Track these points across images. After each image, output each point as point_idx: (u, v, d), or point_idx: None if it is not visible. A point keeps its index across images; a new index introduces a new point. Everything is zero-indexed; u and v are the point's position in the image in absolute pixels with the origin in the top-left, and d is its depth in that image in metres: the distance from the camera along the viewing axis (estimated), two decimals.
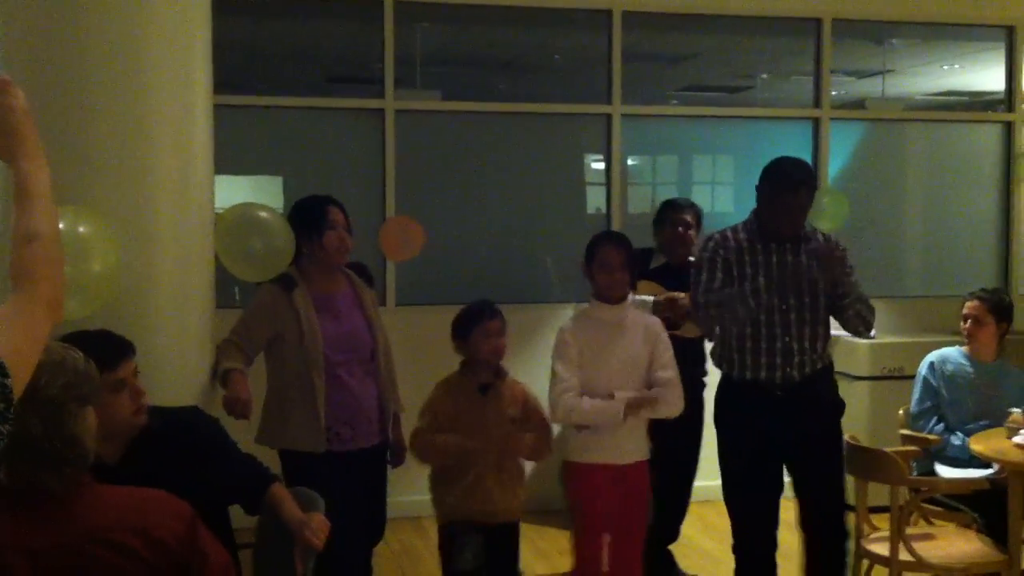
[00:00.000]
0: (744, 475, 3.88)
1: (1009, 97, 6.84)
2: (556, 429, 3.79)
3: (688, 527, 4.94)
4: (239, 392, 3.46)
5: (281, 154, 6.16)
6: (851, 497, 4.03)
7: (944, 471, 4.41)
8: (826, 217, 5.66)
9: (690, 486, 4.84)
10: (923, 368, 4.68)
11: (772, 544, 3.90)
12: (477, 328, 3.61)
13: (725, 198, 7.21)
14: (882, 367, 5.77)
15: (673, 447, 4.27)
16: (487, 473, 3.56)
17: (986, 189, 6.91)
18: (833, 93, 6.61)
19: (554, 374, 3.65)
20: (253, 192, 6.27)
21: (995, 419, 4.35)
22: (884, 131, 6.91)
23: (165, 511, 2.08)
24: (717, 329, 4.44)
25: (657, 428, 3.78)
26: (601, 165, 6.43)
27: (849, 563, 3.95)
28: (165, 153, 3.31)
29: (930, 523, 4.32)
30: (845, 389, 4.05)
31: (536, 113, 6.37)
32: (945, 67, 7.51)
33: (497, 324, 3.64)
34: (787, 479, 3.97)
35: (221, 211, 3.86)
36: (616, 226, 6.19)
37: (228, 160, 5.03)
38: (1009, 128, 6.83)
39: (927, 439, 4.44)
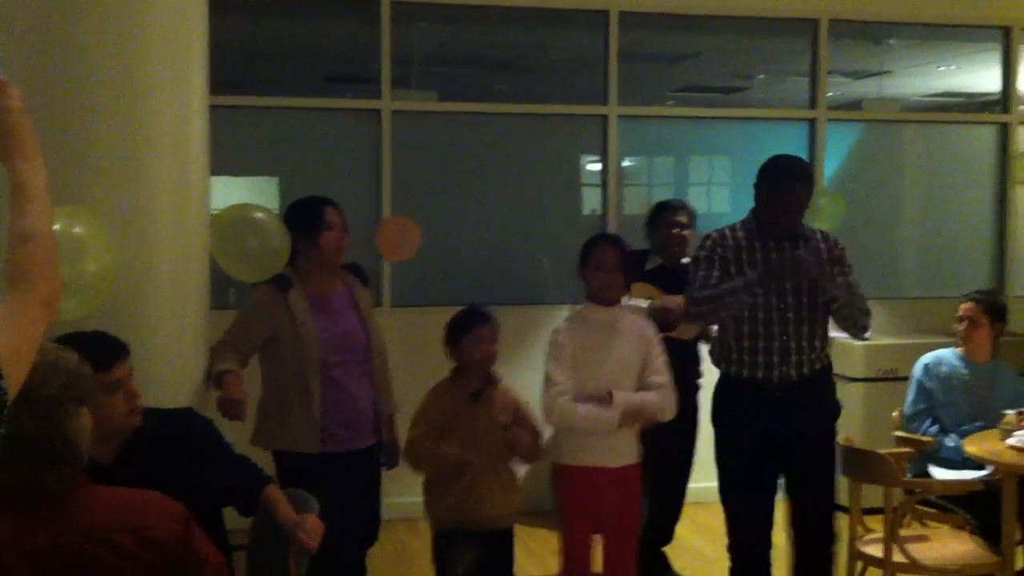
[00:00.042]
0: (741, 474, 3.88)
1: (1005, 98, 6.85)
2: (548, 431, 3.79)
3: (682, 528, 4.94)
4: (233, 393, 3.45)
5: (277, 155, 6.16)
6: (845, 498, 4.03)
7: (938, 473, 4.42)
8: (822, 218, 5.67)
9: (684, 488, 4.85)
10: (917, 370, 4.68)
11: (767, 544, 3.90)
12: (469, 334, 3.61)
13: (721, 199, 7.21)
14: (877, 368, 5.78)
15: (668, 449, 4.27)
16: (480, 480, 3.56)
17: (982, 190, 6.92)
18: (830, 94, 6.61)
19: (548, 376, 3.65)
20: (249, 193, 6.27)
21: (989, 420, 4.36)
22: (880, 132, 6.92)
23: (160, 512, 2.08)
24: (715, 328, 4.46)
25: (652, 430, 3.78)
26: (597, 166, 6.43)
27: (836, 566, 3.95)
28: (162, 154, 3.31)
29: (924, 525, 4.33)
30: (840, 390, 4.04)
31: (533, 114, 6.37)
32: (942, 68, 7.51)
33: (489, 330, 3.63)
34: (780, 479, 3.97)
35: (217, 212, 3.85)
36: (612, 227, 6.19)
37: (224, 161, 5.03)
38: (1005, 129, 6.84)
39: (921, 441, 4.45)
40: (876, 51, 7.03)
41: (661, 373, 3.70)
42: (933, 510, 4.34)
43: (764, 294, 3.75)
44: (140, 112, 3.25)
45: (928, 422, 4.56)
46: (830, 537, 3.89)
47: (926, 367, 4.65)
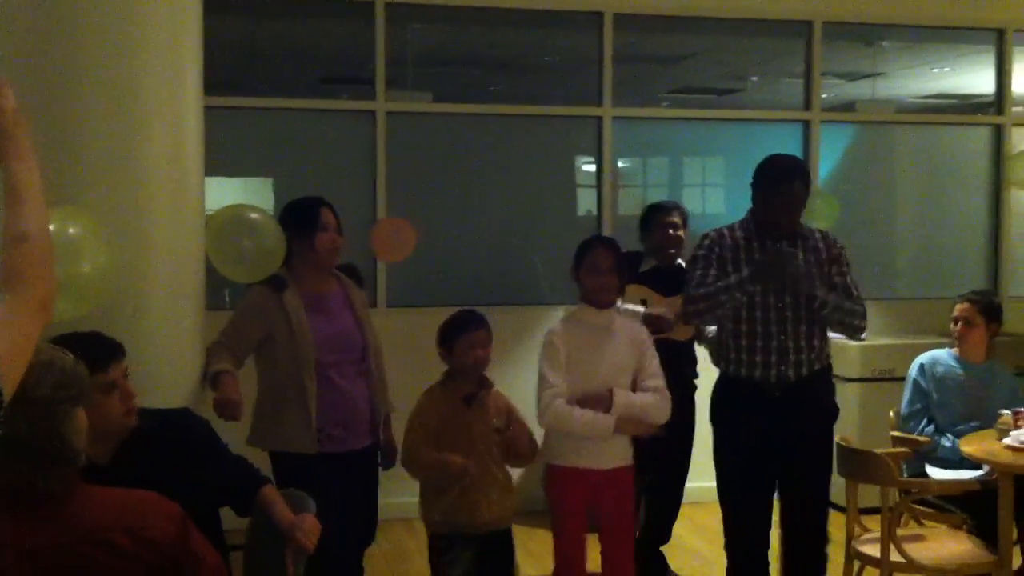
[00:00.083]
0: (739, 473, 3.88)
1: (999, 100, 6.86)
2: (540, 432, 3.79)
3: (679, 528, 4.95)
4: (229, 394, 3.45)
5: (272, 156, 6.16)
6: (842, 498, 4.03)
7: (935, 472, 4.42)
8: (817, 219, 5.66)
9: (682, 487, 4.85)
10: (913, 370, 4.69)
11: (765, 543, 3.90)
12: (462, 338, 3.60)
13: (716, 200, 7.22)
14: (873, 369, 5.79)
15: (665, 449, 4.27)
16: (476, 484, 3.54)
17: (976, 192, 6.93)
18: (824, 95, 6.63)
19: (542, 377, 3.64)
20: (244, 193, 6.27)
21: (985, 420, 4.38)
22: (874, 133, 6.94)
23: (157, 512, 2.08)
24: (711, 329, 4.46)
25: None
26: (592, 167, 6.43)
27: (828, 566, 3.94)
28: (157, 154, 3.31)
29: (921, 524, 4.33)
30: (837, 390, 4.04)
31: (527, 115, 6.37)
32: (935, 70, 7.53)
33: (482, 335, 3.62)
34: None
35: (212, 212, 3.85)
36: (607, 228, 6.20)
37: (219, 162, 5.02)
38: (999, 131, 6.86)
39: (917, 440, 4.45)
40: (870, 53, 7.04)
41: (656, 377, 3.71)
42: (930, 510, 4.34)
43: (763, 294, 3.75)
44: (135, 113, 3.25)
45: (924, 422, 4.57)
46: (821, 538, 3.89)
47: (922, 367, 4.66)
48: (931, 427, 4.55)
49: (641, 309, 4.43)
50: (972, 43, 7.07)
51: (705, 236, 3.95)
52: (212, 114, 3.90)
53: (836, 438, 4.01)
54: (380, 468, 3.92)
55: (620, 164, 6.59)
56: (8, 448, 1.87)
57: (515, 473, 3.80)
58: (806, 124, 6.55)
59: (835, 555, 3.99)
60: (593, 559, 3.77)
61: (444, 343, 3.64)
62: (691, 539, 5.30)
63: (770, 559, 3.95)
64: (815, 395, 3.86)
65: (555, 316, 3.88)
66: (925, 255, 7.01)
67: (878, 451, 3.95)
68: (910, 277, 7.00)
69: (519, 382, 3.89)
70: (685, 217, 4.82)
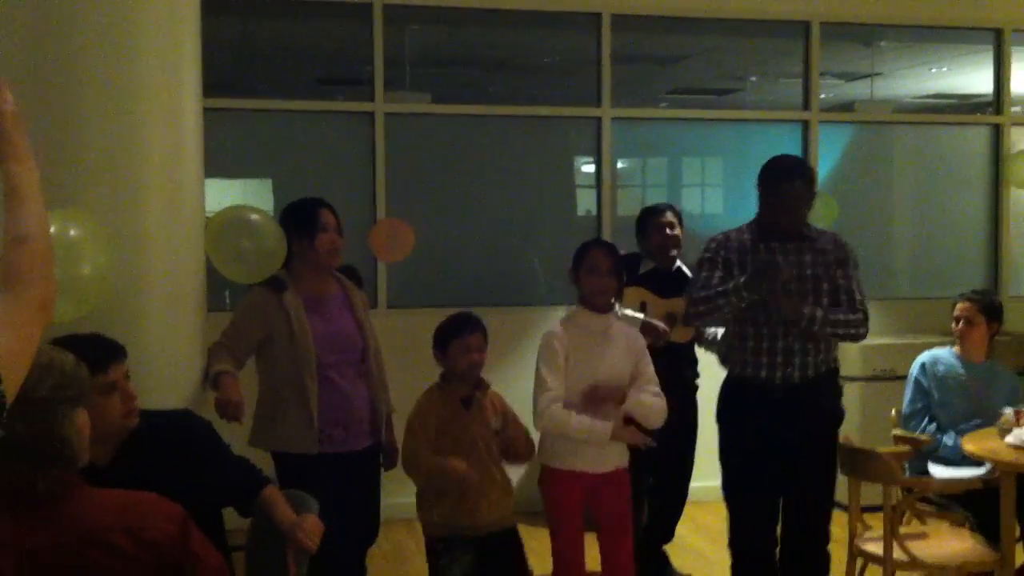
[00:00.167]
0: (742, 473, 3.88)
1: (998, 99, 6.87)
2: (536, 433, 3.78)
3: (681, 527, 4.94)
4: (230, 394, 3.44)
5: (271, 157, 6.16)
6: (844, 497, 4.03)
7: (937, 471, 4.42)
8: (816, 219, 5.66)
9: (685, 487, 4.84)
10: (914, 369, 4.69)
11: (769, 542, 3.90)
12: (456, 341, 3.59)
13: (715, 200, 7.23)
14: (874, 368, 5.79)
15: (667, 449, 4.27)
16: (475, 486, 3.53)
17: (975, 191, 6.93)
18: (822, 95, 6.63)
19: (540, 379, 3.62)
20: (243, 195, 6.27)
21: (986, 419, 4.38)
22: (873, 133, 6.94)
23: (157, 513, 2.07)
24: (712, 330, 4.46)
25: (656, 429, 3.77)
26: (591, 167, 6.44)
27: (830, 566, 3.94)
28: (155, 156, 3.30)
29: (923, 522, 4.33)
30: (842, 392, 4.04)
31: (526, 116, 6.37)
32: (933, 69, 7.54)
33: (477, 339, 3.60)
34: None
35: (212, 213, 3.85)
36: (606, 228, 6.21)
37: (218, 163, 5.03)
38: (998, 130, 6.87)
39: (919, 439, 4.45)
40: (868, 53, 7.05)
41: (653, 383, 3.71)
42: (932, 508, 4.34)
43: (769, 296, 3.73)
44: (134, 114, 3.24)
45: (926, 421, 4.57)
46: (822, 538, 3.88)
47: (923, 366, 4.66)
48: (933, 426, 4.55)
49: (640, 316, 4.43)
50: (970, 43, 7.08)
51: (712, 239, 3.95)
52: (211, 115, 3.90)
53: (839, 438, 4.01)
54: (382, 469, 3.92)
55: (619, 165, 6.59)
56: (7, 449, 1.87)
57: (515, 474, 3.80)
58: (805, 124, 6.55)
59: (837, 553, 3.98)
60: (593, 558, 3.77)
61: (439, 346, 3.64)
62: (693, 538, 5.30)
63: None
64: (820, 397, 3.86)
65: (554, 317, 3.87)
66: (924, 255, 7.02)
67: (880, 450, 3.95)
68: (910, 277, 7.00)
69: (517, 383, 3.88)
70: (679, 216, 4.82)
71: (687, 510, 4.91)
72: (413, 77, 6.14)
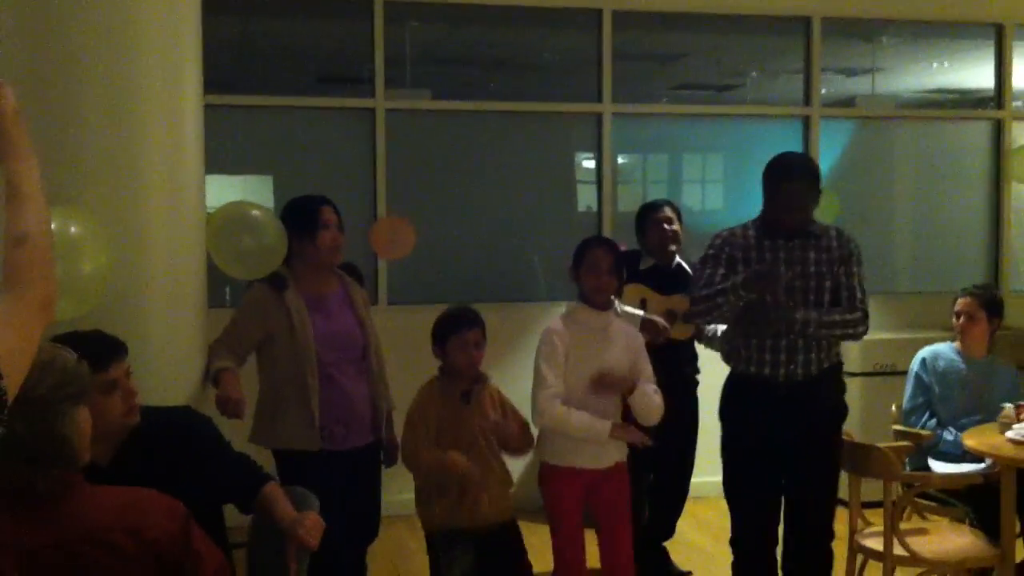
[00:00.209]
0: (744, 470, 3.88)
1: (999, 94, 6.87)
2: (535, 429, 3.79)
3: (681, 523, 4.95)
4: (231, 392, 3.44)
5: (272, 154, 6.16)
6: (844, 493, 4.03)
7: (937, 466, 4.43)
8: (818, 215, 5.65)
9: (686, 483, 4.85)
10: (915, 364, 4.69)
11: (770, 539, 3.90)
12: (453, 337, 3.59)
13: (715, 196, 7.22)
14: (874, 363, 5.79)
15: (668, 445, 4.27)
16: (475, 478, 3.53)
17: (976, 186, 6.93)
18: (823, 91, 6.62)
19: (540, 376, 3.63)
20: (244, 192, 6.26)
21: (987, 414, 4.38)
22: (875, 129, 6.93)
23: (158, 511, 2.07)
24: (712, 328, 4.46)
25: (656, 426, 3.77)
26: (591, 164, 6.43)
27: (833, 563, 3.93)
28: (156, 153, 3.30)
29: (923, 518, 4.34)
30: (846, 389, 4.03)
31: (527, 112, 6.37)
32: (935, 65, 7.52)
33: (475, 335, 3.60)
34: None
35: (213, 210, 3.84)
36: (607, 224, 6.21)
37: (219, 160, 5.03)
38: (999, 125, 6.86)
39: (920, 435, 4.45)
40: (869, 48, 7.03)
41: (651, 381, 3.72)
42: (932, 503, 4.34)
43: (772, 293, 3.73)
44: (133, 111, 3.24)
45: (926, 416, 4.57)
46: (825, 536, 3.87)
47: (923, 361, 4.66)
48: (933, 421, 4.55)
49: (640, 313, 4.43)
50: (971, 38, 7.07)
51: (717, 236, 3.94)
52: (212, 112, 3.90)
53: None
54: (383, 465, 3.92)
55: (620, 161, 6.59)
56: (8, 448, 1.87)
57: (515, 470, 3.80)
58: (806, 120, 6.55)
59: (838, 549, 3.98)
60: (593, 555, 3.78)
61: (437, 342, 3.64)
62: (693, 534, 5.30)
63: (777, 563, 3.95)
64: (823, 394, 3.85)
65: (554, 313, 3.88)
66: (925, 250, 7.02)
67: (880, 445, 3.95)
68: (910, 272, 7.00)
69: (517, 379, 3.88)
70: (679, 212, 4.82)
71: (688, 506, 4.92)
72: (413, 75, 6.13)
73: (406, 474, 3.68)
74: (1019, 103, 6.96)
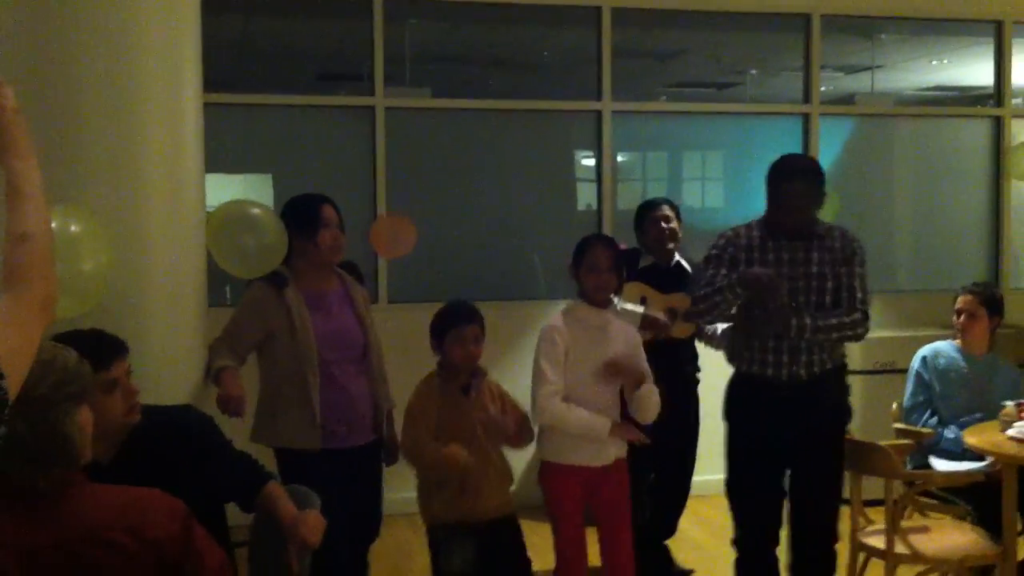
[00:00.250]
0: (747, 469, 3.87)
1: (998, 92, 6.86)
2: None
3: (683, 521, 4.94)
4: (231, 390, 3.44)
5: (272, 152, 6.15)
6: (846, 491, 4.03)
7: (938, 464, 4.42)
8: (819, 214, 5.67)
9: (687, 481, 4.84)
10: (915, 362, 4.69)
11: (772, 539, 3.90)
12: (451, 333, 3.58)
13: (715, 194, 7.22)
14: (875, 361, 5.79)
15: (669, 444, 4.27)
16: (475, 474, 3.53)
17: (976, 184, 6.93)
18: (822, 89, 6.62)
19: (541, 372, 3.62)
20: (244, 190, 6.26)
21: (987, 412, 4.38)
22: (874, 126, 6.92)
23: (159, 510, 2.06)
24: (712, 327, 4.45)
25: (655, 425, 3.77)
26: (591, 161, 6.43)
27: (836, 565, 3.93)
28: (155, 152, 3.30)
29: (925, 516, 4.33)
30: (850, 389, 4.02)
31: (526, 110, 6.36)
32: (934, 62, 7.53)
33: (473, 331, 3.59)
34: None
35: (213, 208, 3.84)
36: (607, 222, 6.20)
37: (218, 158, 5.02)
38: (999, 123, 6.85)
39: (921, 432, 4.45)
40: (868, 46, 7.03)
41: (649, 379, 3.71)
42: (934, 501, 4.34)
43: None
44: (133, 111, 3.24)
45: (927, 414, 4.57)
46: (829, 537, 3.86)
47: (924, 359, 4.66)
48: (934, 419, 4.55)
49: (640, 309, 4.42)
50: (971, 35, 7.06)
51: (721, 236, 3.92)
52: (212, 111, 3.90)
53: None
54: (384, 464, 3.92)
55: (619, 159, 6.59)
56: (9, 447, 1.86)
57: (516, 469, 3.80)
58: (805, 117, 6.54)
59: (840, 547, 3.98)
60: (595, 553, 3.78)
61: (435, 337, 3.63)
62: (694, 532, 5.30)
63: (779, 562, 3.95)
64: (826, 394, 3.83)
65: (554, 311, 3.87)
66: (925, 248, 7.01)
67: (882, 443, 3.94)
68: (910, 270, 7.00)
69: (518, 377, 3.88)
70: (677, 211, 4.81)
71: (690, 504, 4.92)
72: (413, 73, 6.13)
73: (407, 472, 3.68)
74: (1019, 100, 6.96)
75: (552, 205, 6.51)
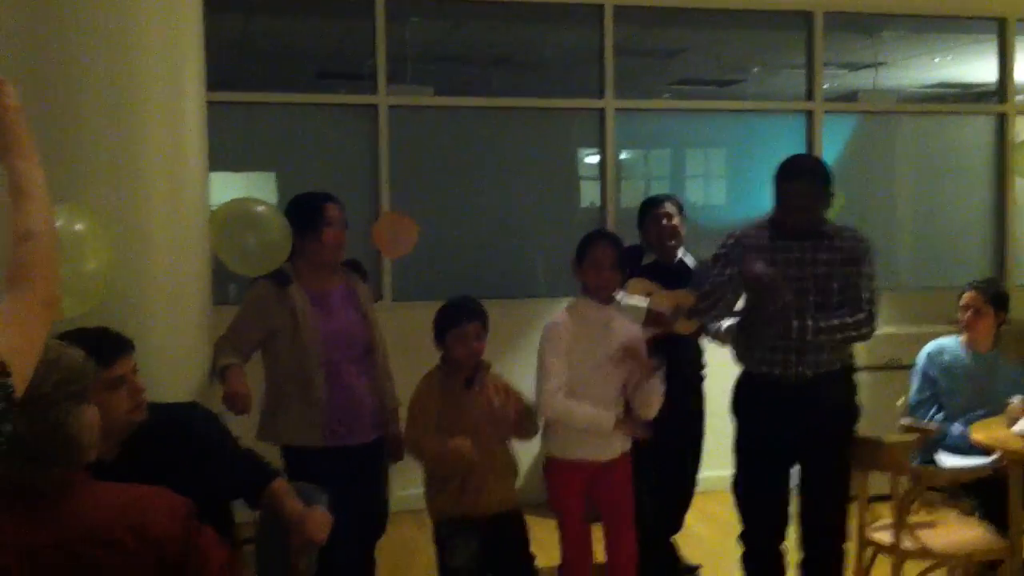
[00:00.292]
0: (754, 468, 3.86)
1: (1002, 88, 6.85)
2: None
3: (690, 517, 4.94)
4: (237, 388, 3.44)
5: (274, 151, 6.14)
6: (853, 487, 4.02)
7: (945, 459, 4.42)
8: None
9: (694, 478, 4.83)
10: (921, 358, 4.69)
11: (778, 535, 3.89)
12: (453, 330, 3.59)
13: (718, 192, 7.21)
14: (879, 358, 5.77)
15: (669, 442, 4.26)
16: (479, 467, 3.54)
17: (980, 180, 6.92)
18: (825, 86, 6.61)
19: (545, 368, 3.63)
20: (247, 189, 6.25)
21: (992, 408, 4.37)
22: (877, 123, 6.91)
23: (159, 509, 2.05)
24: (716, 324, 4.44)
25: (659, 421, 3.77)
26: (594, 159, 6.42)
27: (847, 564, 3.92)
28: (158, 151, 3.29)
29: (931, 511, 4.32)
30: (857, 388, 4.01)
31: (529, 108, 6.35)
32: (937, 59, 7.51)
33: (475, 327, 3.59)
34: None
35: (217, 206, 3.84)
36: (610, 220, 6.20)
37: (222, 157, 5.01)
38: (1002, 119, 6.85)
39: (926, 429, 4.44)
40: (871, 43, 7.02)
41: (660, 372, 3.70)
42: (940, 496, 4.33)
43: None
44: (135, 110, 3.23)
45: (933, 410, 4.56)
46: (838, 536, 3.85)
47: (929, 356, 4.66)
48: (940, 415, 4.54)
49: (645, 303, 4.41)
50: (974, 32, 7.05)
51: (730, 235, 3.91)
52: (214, 110, 3.89)
53: None
54: (390, 462, 3.92)
55: (622, 156, 6.58)
56: (12, 446, 1.86)
57: (523, 465, 3.80)
58: (809, 115, 6.53)
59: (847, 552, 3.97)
60: (601, 552, 3.77)
61: (437, 334, 3.64)
62: (701, 528, 5.29)
63: (786, 556, 3.94)
64: (832, 394, 3.81)
65: (557, 309, 3.87)
66: (929, 244, 7.00)
67: (888, 440, 3.93)
68: (914, 266, 6.98)
69: (522, 375, 3.87)
70: (680, 207, 4.79)
71: (696, 500, 4.91)
72: (415, 72, 6.12)
73: (413, 470, 3.68)
74: (1022, 97, 6.95)
75: (555, 203, 6.50)
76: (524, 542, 3.69)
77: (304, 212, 3.77)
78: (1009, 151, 6.77)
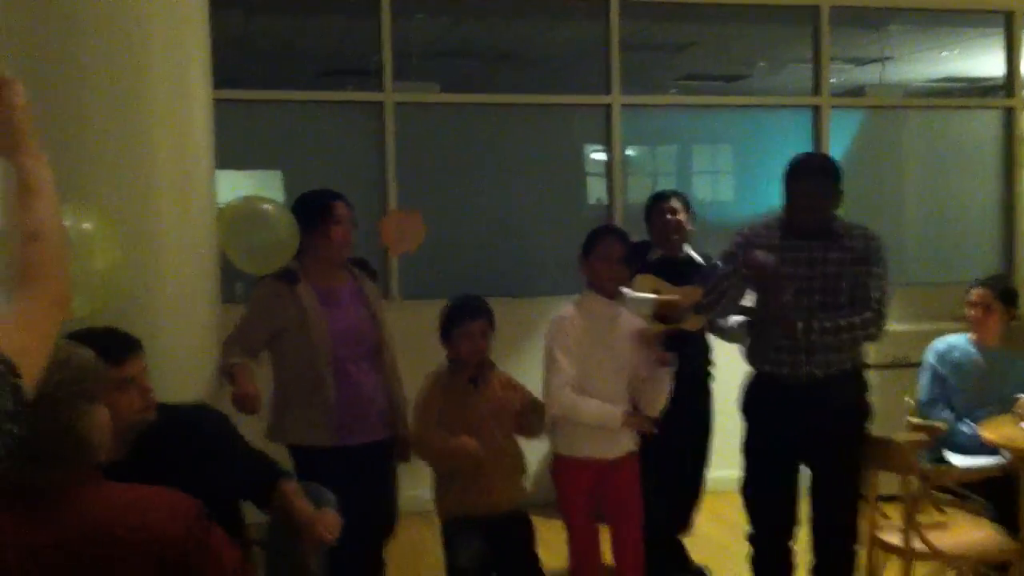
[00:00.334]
0: (763, 468, 3.84)
1: (1009, 83, 6.82)
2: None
3: (699, 518, 4.93)
4: (246, 387, 3.43)
5: (281, 148, 6.13)
6: (862, 486, 4.00)
7: (954, 458, 4.40)
8: None
9: (699, 477, 4.82)
10: (929, 356, 4.67)
11: (787, 535, 3.87)
12: (458, 329, 3.58)
13: (725, 187, 7.19)
14: (887, 356, 5.75)
15: (672, 441, 4.25)
16: (486, 464, 3.53)
17: (987, 175, 6.89)
18: (832, 80, 6.58)
19: (554, 362, 3.63)
20: (253, 186, 6.24)
21: (1002, 406, 4.34)
22: (884, 118, 6.89)
23: (161, 509, 2.03)
24: (722, 321, 4.43)
25: (667, 420, 3.76)
26: (601, 155, 6.40)
27: (858, 564, 3.90)
28: (165, 149, 3.28)
29: (941, 511, 4.30)
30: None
31: (535, 104, 6.34)
32: (944, 53, 7.49)
33: (480, 325, 3.59)
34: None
35: (224, 205, 3.83)
36: (617, 216, 6.18)
37: (228, 155, 5.00)
38: (1010, 114, 6.82)
39: (936, 427, 4.42)
40: (878, 37, 7.00)
41: (672, 364, 3.69)
42: (949, 496, 4.31)
43: (794, 293, 3.68)
44: (142, 108, 3.23)
45: (941, 408, 4.54)
46: (849, 537, 3.83)
47: (938, 353, 4.64)
48: (949, 413, 4.52)
49: (651, 297, 4.40)
50: (981, 26, 7.03)
51: (739, 233, 3.89)
52: (220, 107, 3.88)
53: None
54: (398, 461, 3.91)
55: (629, 152, 6.56)
56: (19, 446, 1.85)
57: (531, 464, 3.79)
58: (815, 110, 6.51)
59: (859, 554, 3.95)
60: (606, 551, 3.76)
61: (443, 332, 3.64)
62: (710, 529, 5.28)
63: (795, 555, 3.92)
64: (842, 393, 3.79)
65: (563, 306, 3.86)
66: (937, 240, 6.98)
67: (897, 438, 3.91)
68: (922, 262, 6.95)
69: (529, 373, 3.86)
70: (686, 203, 4.78)
71: (705, 500, 4.90)
72: (421, 69, 6.11)
73: (422, 470, 3.67)
74: None
75: (562, 200, 6.48)
76: (529, 542, 3.69)
77: (312, 210, 3.76)
78: (1017, 145, 6.75)
